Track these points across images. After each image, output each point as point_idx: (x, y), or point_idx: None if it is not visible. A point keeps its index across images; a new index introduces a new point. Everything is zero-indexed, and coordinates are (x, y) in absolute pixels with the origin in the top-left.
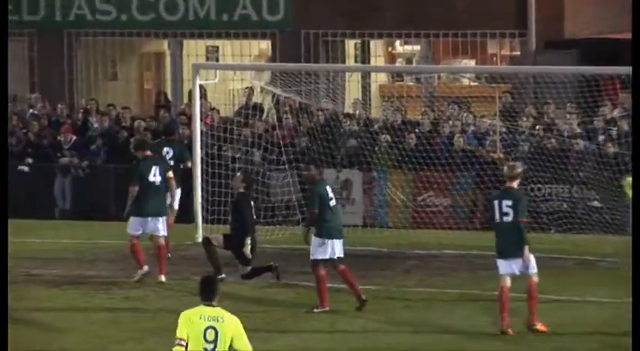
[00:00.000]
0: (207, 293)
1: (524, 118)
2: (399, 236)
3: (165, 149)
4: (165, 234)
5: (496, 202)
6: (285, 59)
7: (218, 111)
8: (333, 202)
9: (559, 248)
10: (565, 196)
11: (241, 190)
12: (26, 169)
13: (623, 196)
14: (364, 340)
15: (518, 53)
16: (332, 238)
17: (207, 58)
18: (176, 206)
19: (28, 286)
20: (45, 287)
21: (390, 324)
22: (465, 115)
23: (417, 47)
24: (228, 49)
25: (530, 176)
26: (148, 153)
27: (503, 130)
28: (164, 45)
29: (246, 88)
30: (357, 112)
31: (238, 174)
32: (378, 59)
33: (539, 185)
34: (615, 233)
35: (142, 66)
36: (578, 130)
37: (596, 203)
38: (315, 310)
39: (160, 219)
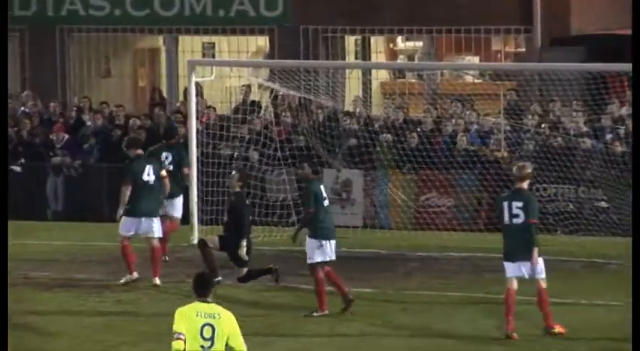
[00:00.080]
0: (202, 289)
1: (530, 117)
2: (400, 238)
3: (164, 154)
4: (160, 235)
5: (505, 204)
6: (283, 56)
7: (214, 109)
8: (327, 202)
9: (565, 250)
10: (571, 197)
11: (237, 189)
12: (18, 169)
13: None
14: (363, 345)
15: (524, 50)
16: (329, 239)
17: (204, 55)
18: (179, 214)
19: (19, 289)
20: (36, 290)
21: (389, 328)
22: (468, 113)
23: (420, 43)
24: (225, 45)
25: (535, 176)
26: (140, 151)
27: (508, 128)
28: (159, 41)
29: (244, 85)
30: (358, 110)
31: (234, 172)
32: (379, 56)
33: (544, 185)
34: (623, 235)
35: (136, 62)
36: (585, 129)
37: (603, 204)
38: (315, 314)
39: (154, 219)
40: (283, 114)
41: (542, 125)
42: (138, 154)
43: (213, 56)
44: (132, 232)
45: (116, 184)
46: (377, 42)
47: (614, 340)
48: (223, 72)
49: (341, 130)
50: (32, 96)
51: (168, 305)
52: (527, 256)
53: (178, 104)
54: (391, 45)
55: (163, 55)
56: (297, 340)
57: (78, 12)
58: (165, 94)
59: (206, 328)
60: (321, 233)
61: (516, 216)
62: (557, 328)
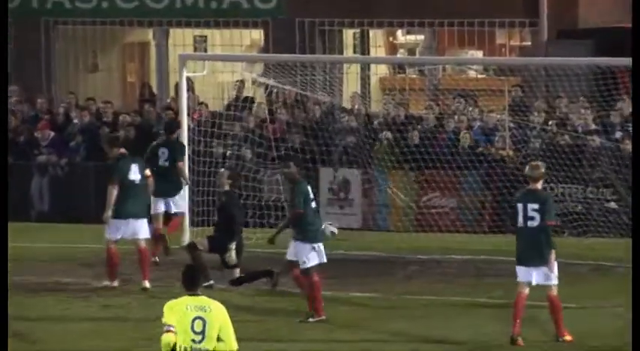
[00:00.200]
0: (191, 283)
1: (536, 113)
2: (400, 240)
3: (161, 150)
4: (148, 236)
5: (520, 206)
6: (278, 50)
7: (206, 105)
8: (314, 204)
9: (573, 253)
10: (579, 197)
11: (227, 187)
12: None
13: None
14: None
15: (529, 43)
16: (319, 242)
17: (195, 49)
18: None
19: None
20: (20, 294)
21: (388, 334)
22: (471, 109)
23: (421, 37)
24: (218, 38)
25: None
26: (124, 150)
27: (513, 125)
28: (149, 34)
29: (237, 81)
30: (356, 106)
31: (223, 170)
32: (378, 50)
33: (551, 185)
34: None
35: (125, 57)
36: (594, 126)
37: (612, 204)
38: (311, 320)
39: (142, 221)
40: (278, 111)
41: (549, 122)
42: (122, 153)
43: (205, 50)
44: (119, 236)
45: (104, 184)
46: (376, 35)
47: (619, 348)
48: (216, 67)
49: (338, 127)
50: (17, 92)
51: (159, 310)
52: (541, 262)
53: (169, 100)
54: (391, 38)
55: (153, 49)
56: (293, 345)
57: (63, 4)
58: (155, 90)
59: (197, 321)
60: (312, 236)
61: (532, 218)
62: (567, 337)
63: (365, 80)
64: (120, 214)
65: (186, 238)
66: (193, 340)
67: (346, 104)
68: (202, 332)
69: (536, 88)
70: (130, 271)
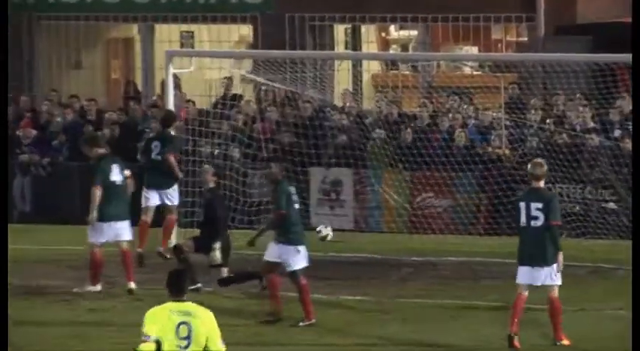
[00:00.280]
0: (176, 288)
1: (533, 111)
2: (393, 241)
3: (154, 143)
4: (131, 238)
5: (523, 205)
6: (267, 46)
7: (194, 103)
8: (297, 205)
9: (571, 254)
10: (578, 197)
11: (212, 184)
12: None
13: None
14: None
15: (526, 39)
16: (303, 244)
17: (182, 45)
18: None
19: None
20: None
21: (381, 338)
22: (466, 107)
23: (414, 32)
24: (205, 34)
25: None
26: (103, 150)
27: (509, 123)
28: (133, 30)
29: (225, 77)
30: (348, 104)
31: (206, 166)
32: (370, 46)
33: (549, 185)
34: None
35: (109, 53)
36: (592, 124)
37: (611, 205)
38: (301, 324)
39: (124, 223)
40: (268, 109)
41: (547, 120)
42: (103, 154)
43: (192, 46)
44: (104, 240)
45: (87, 184)
46: (368, 31)
47: None
48: (203, 63)
49: (330, 125)
50: None
51: (144, 314)
52: (544, 263)
53: (155, 98)
54: (383, 34)
55: (138, 45)
56: (282, 349)
57: None
58: (140, 87)
59: (182, 326)
60: (296, 238)
61: (535, 218)
62: (565, 341)
63: (357, 77)
64: (102, 216)
65: (173, 239)
66: (179, 346)
67: (337, 102)
68: (188, 337)
69: (533, 85)
70: (115, 273)
